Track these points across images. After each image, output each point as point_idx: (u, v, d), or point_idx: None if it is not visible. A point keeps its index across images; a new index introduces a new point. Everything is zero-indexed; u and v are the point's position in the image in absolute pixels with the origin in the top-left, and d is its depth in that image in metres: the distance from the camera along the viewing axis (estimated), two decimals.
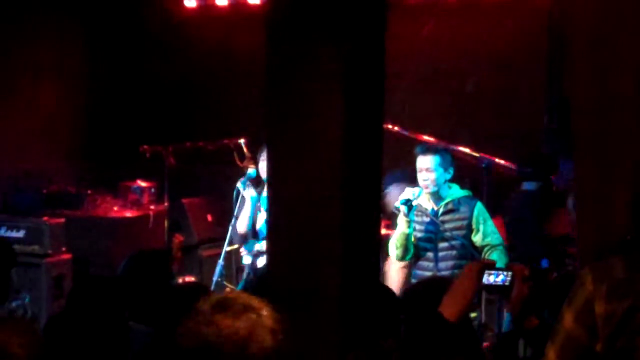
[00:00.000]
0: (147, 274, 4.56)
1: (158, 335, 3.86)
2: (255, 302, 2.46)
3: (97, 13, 9.85)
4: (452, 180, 6.59)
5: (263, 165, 6.76)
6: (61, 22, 9.38)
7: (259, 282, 4.67)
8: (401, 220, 6.50)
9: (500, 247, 6.46)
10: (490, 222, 6.52)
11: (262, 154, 6.85)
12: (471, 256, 6.30)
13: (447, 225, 6.45)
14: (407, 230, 6.50)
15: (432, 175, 6.45)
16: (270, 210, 3.68)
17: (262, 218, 6.86)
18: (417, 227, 6.56)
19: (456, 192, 6.56)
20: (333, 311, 3.40)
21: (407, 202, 6.41)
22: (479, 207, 6.51)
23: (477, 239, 6.44)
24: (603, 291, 2.56)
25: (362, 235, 3.50)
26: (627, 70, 4.64)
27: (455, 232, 6.40)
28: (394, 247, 6.58)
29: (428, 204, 6.55)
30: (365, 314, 3.49)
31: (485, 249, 6.42)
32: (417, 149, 6.62)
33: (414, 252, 6.57)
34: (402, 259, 6.69)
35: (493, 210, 6.73)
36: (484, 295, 6.04)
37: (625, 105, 4.63)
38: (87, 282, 4.28)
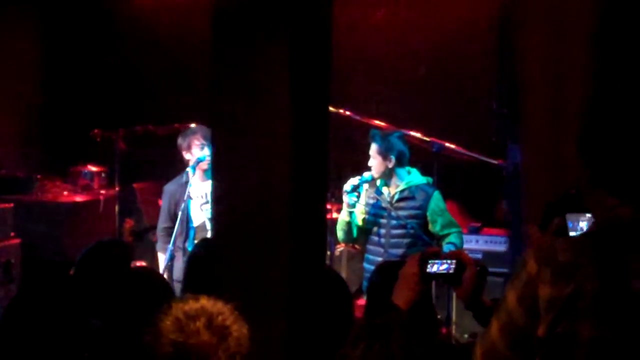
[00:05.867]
0: (106, 266, 4.53)
1: (110, 322, 3.85)
2: (224, 309, 2.50)
3: None
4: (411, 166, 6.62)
5: (196, 152, 6.84)
6: (12, 7, 9.25)
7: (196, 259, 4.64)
8: (344, 207, 6.56)
9: (456, 234, 6.48)
10: (447, 213, 6.53)
11: (187, 139, 6.91)
12: (424, 243, 6.31)
13: (401, 213, 6.46)
14: (347, 219, 6.56)
15: (373, 162, 6.50)
16: (214, 199, 3.68)
17: (194, 205, 6.92)
18: (370, 211, 6.58)
19: (415, 178, 6.55)
20: (280, 298, 3.41)
21: (354, 190, 6.46)
22: (436, 198, 6.49)
23: (435, 229, 6.46)
24: (547, 275, 2.56)
25: (310, 221, 3.51)
26: (578, 56, 4.69)
27: (407, 221, 6.42)
28: (338, 230, 6.67)
29: (384, 188, 6.57)
30: (313, 299, 3.51)
31: (442, 239, 6.44)
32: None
33: (360, 235, 6.62)
34: (346, 242, 6.87)
35: (445, 195, 6.74)
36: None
37: (575, 90, 4.68)
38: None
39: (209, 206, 6.85)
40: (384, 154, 6.47)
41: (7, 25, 9.18)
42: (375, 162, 6.50)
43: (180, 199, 6.90)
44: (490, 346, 2.67)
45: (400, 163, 6.51)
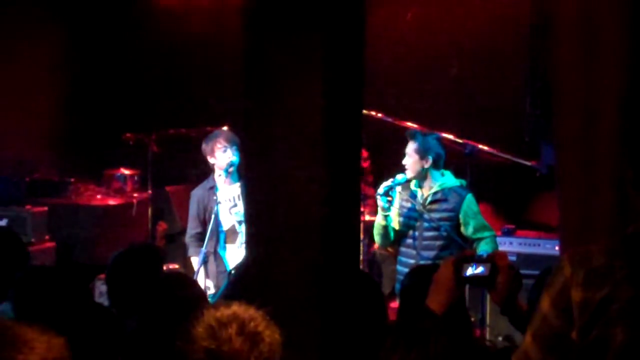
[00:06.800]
0: (138, 270, 4.53)
1: (144, 325, 3.86)
2: (256, 315, 2.50)
3: None
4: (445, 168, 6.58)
5: (219, 155, 6.84)
6: (41, 8, 9.30)
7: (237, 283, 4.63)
8: (379, 211, 6.53)
9: (489, 238, 6.43)
10: (480, 216, 6.47)
11: (210, 144, 6.91)
12: (457, 246, 6.27)
13: (433, 215, 6.41)
14: (383, 222, 6.52)
15: (408, 161, 6.45)
16: (247, 203, 3.67)
17: (223, 209, 6.92)
18: (403, 212, 6.54)
19: (448, 180, 6.51)
20: (313, 301, 3.40)
21: (388, 192, 6.43)
22: (469, 200, 6.44)
23: (468, 233, 6.41)
24: (580, 278, 2.52)
25: (343, 224, 3.49)
26: (611, 56, 4.63)
27: (440, 223, 6.38)
28: (375, 234, 6.63)
29: (417, 190, 6.53)
30: (345, 302, 3.49)
31: (475, 243, 6.39)
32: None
33: (396, 238, 6.59)
34: (384, 246, 6.83)
35: (478, 197, 6.70)
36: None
37: (608, 91, 4.62)
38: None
39: (237, 209, 6.86)
40: (422, 153, 6.42)
41: (38, 30, 9.23)
42: (410, 160, 6.44)
43: (208, 204, 6.92)
44: (522, 356, 2.63)
45: (436, 165, 6.46)
